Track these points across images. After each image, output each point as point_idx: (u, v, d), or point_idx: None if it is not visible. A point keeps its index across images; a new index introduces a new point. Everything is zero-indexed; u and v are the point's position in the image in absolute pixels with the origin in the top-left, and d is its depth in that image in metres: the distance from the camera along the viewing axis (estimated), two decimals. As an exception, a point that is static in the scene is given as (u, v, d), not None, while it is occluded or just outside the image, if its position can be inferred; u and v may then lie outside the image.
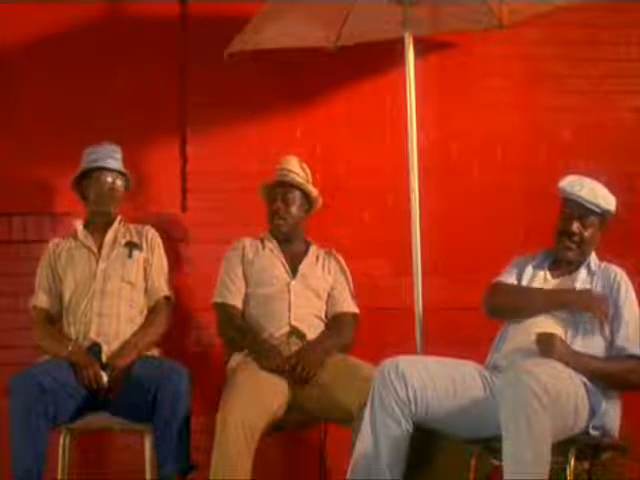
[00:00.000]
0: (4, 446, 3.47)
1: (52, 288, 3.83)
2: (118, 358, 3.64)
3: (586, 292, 3.35)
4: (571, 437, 3.13)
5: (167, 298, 3.88)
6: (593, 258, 3.48)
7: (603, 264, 3.46)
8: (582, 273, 3.44)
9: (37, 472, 3.44)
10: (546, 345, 3.20)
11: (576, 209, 3.43)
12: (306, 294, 3.81)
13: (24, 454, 3.42)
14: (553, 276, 3.49)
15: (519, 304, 3.42)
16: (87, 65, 4.35)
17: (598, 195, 3.42)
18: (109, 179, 3.88)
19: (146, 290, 3.86)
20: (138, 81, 4.35)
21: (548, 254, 3.54)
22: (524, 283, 3.50)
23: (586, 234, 3.43)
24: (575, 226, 3.42)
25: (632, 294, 3.38)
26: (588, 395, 3.19)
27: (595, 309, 3.27)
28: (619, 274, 3.41)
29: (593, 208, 3.41)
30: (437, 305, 3.94)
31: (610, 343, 3.31)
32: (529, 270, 3.52)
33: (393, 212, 4.24)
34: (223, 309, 3.81)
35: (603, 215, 3.44)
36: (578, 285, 3.41)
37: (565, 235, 3.44)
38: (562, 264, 3.49)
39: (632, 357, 3.28)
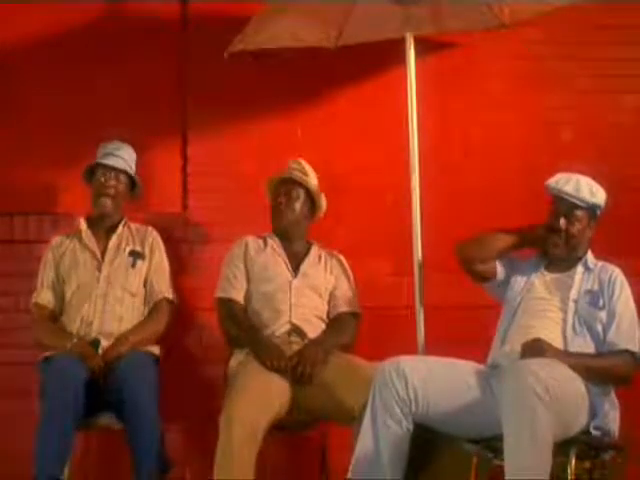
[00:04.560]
0: (6, 446, 3.47)
1: (55, 287, 3.84)
2: (109, 353, 3.65)
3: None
4: (572, 437, 3.15)
5: (168, 300, 3.88)
6: (589, 256, 3.50)
7: (600, 263, 3.49)
8: (579, 270, 3.46)
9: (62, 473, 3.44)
10: (535, 350, 3.21)
11: (562, 205, 3.46)
12: (307, 293, 3.81)
13: (51, 452, 3.40)
14: (550, 272, 3.51)
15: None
16: (87, 65, 4.35)
17: (583, 189, 3.43)
18: (102, 178, 3.88)
19: (146, 297, 3.87)
20: (138, 81, 4.34)
21: (543, 256, 3.55)
22: (519, 280, 3.53)
23: (573, 230, 3.45)
24: (561, 222, 3.45)
25: (627, 292, 3.41)
26: (589, 395, 3.21)
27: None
28: (616, 272, 3.44)
29: (578, 203, 3.44)
30: (438, 305, 3.93)
31: (603, 339, 3.33)
32: (524, 268, 3.55)
33: (393, 212, 4.23)
34: (226, 304, 3.81)
35: (591, 209, 3.46)
36: (575, 282, 3.42)
37: (552, 232, 3.47)
38: (557, 262, 3.50)
39: (623, 352, 3.30)
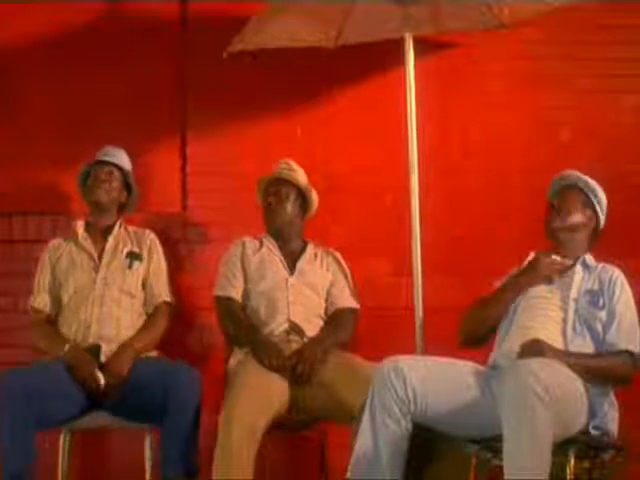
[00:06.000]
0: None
1: (52, 291, 3.84)
2: (114, 362, 3.63)
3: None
4: (571, 437, 3.14)
5: (167, 303, 3.89)
6: (588, 255, 3.51)
7: (601, 264, 3.49)
8: (577, 269, 3.47)
9: (26, 474, 3.41)
10: (534, 351, 3.20)
11: (572, 192, 3.52)
12: (304, 290, 3.82)
13: (12, 457, 3.39)
14: None
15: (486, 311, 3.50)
16: (87, 65, 4.36)
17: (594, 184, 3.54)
18: (95, 173, 3.89)
19: (145, 299, 3.87)
20: (138, 81, 4.35)
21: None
22: None
23: (573, 218, 3.49)
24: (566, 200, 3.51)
25: (628, 292, 3.41)
26: (588, 395, 3.20)
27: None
28: (616, 272, 3.44)
29: (581, 186, 3.51)
30: (437, 305, 3.92)
31: (603, 339, 3.33)
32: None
33: (393, 212, 4.23)
34: (224, 302, 3.82)
35: (589, 197, 3.51)
36: (575, 281, 3.43)
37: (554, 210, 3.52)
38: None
39: (622, 352, 3.30)
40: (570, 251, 3.50)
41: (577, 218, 3.51)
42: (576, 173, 3.57)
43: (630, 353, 3.30)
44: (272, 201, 3.88)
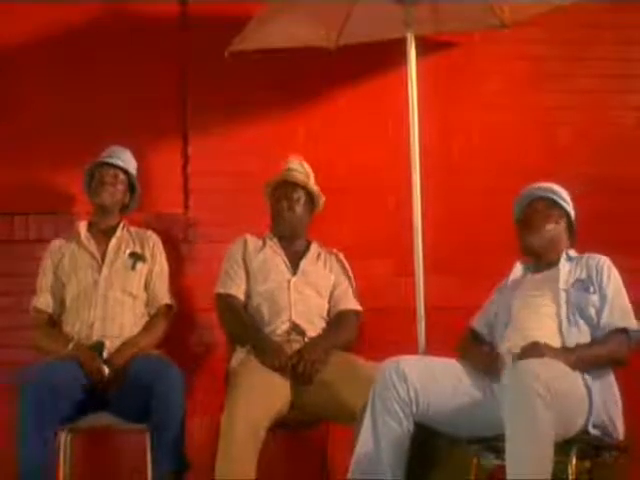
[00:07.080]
0: (9, 448, 3.46)
1: (55, 291, 3.84)
2: (117, 357, 3.64)
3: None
4: (572, 436, 3.14)
5: (168, 306, 3.89)
6: (571, 251, 3.54)
7: (586, 254, 3.50)
8: (562, 262, 3.48)
9: (45, 471, 3.42)
10: (535, 354, 3.19)
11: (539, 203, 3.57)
12: (306, 291, 3.81)
13: (35, 454, 3.40)
14: (536, 273, 3.54)
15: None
16: (87, 65, 4.36)
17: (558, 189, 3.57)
18: (99, 174, 3.89)
19: (147, 301, 3.87)
20: (139, 81, 4.35)
21: (526, 266, 3.59)
22: (506, 291, 3.54)
23: (548, 225, 3.52)
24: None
25: (616, 275, 3.41)
26: (589, 393, 3.20)
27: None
28: (603, 259, 3.45)
29: (541, 194, 3.56)
30: (439, 305, 3.93)
31: (597, 323, 3.33)
32: (510, 282, 3.57)
33: (394, 212, 4.24)
34: (226, 300, 3.81)
35: (552, 199, 3.55)
36: (562, 273, 3.43)
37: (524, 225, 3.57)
38: (541, 264, 3.53)
39: (618, 332, 3.30)
40: (553, 255, 3.51)
41: (549, 225, 3.52)
42: (533, 185, 3.59)
43: (625, 331, 3.30)
44: (285, 206, 3.88)
